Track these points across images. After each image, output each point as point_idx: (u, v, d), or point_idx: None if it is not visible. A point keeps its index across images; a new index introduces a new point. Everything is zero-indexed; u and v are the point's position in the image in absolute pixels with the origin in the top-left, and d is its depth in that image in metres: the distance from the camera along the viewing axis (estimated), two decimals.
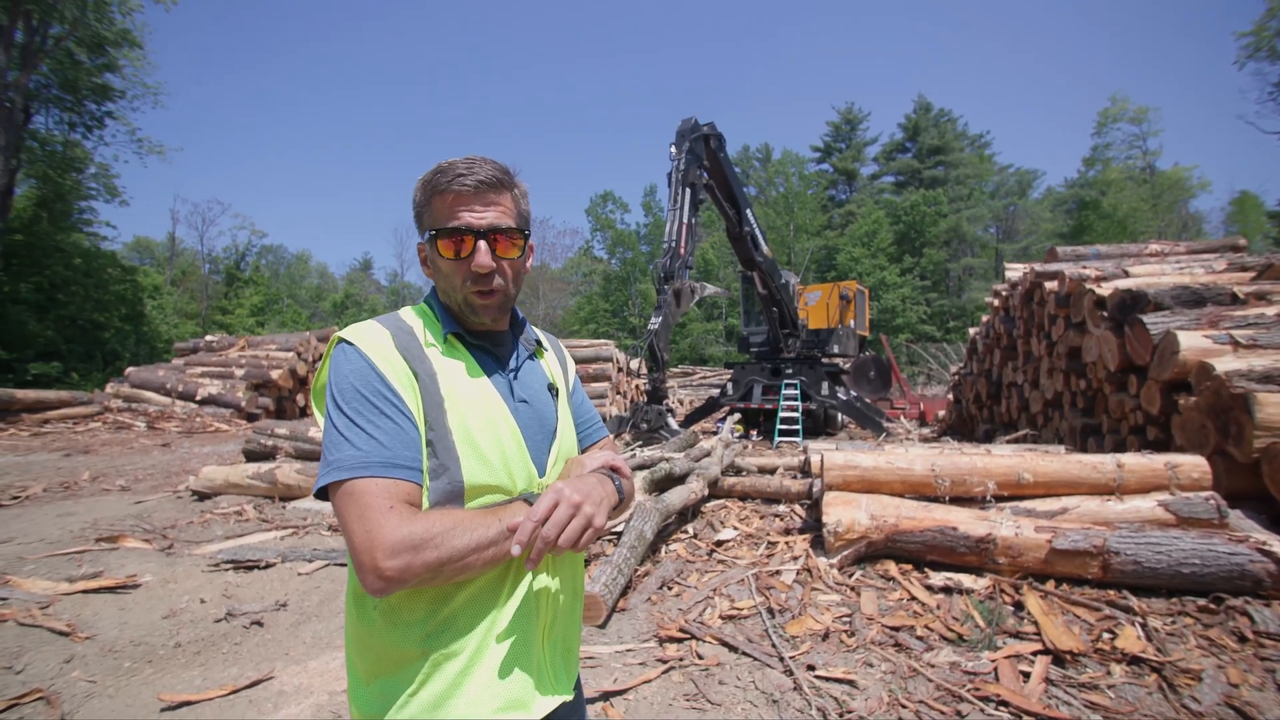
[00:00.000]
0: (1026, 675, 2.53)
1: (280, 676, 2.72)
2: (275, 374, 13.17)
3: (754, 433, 11.44)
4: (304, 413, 13.87)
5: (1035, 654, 2.69)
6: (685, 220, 8.77)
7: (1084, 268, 6.60)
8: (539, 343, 1.17)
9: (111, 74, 21.67)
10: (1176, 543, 3.31)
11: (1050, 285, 6.98)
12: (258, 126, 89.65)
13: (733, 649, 2.80)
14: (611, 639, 2.94)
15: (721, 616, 3.12)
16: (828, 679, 2.56)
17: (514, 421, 0.99)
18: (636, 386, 11.46)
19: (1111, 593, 3.33)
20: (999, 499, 4.03)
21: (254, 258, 45.01)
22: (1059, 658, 2.66)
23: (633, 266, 44.04)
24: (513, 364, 1.07)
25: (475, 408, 0.96)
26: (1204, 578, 3.22)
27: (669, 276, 8.57)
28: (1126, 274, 6.30)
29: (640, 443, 8.00)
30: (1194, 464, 3.85)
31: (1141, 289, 5.36)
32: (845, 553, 3.77)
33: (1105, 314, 5.78)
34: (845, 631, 2.97)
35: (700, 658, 2.74)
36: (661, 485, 5.18)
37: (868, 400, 12.38)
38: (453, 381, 0.96)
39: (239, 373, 13.35)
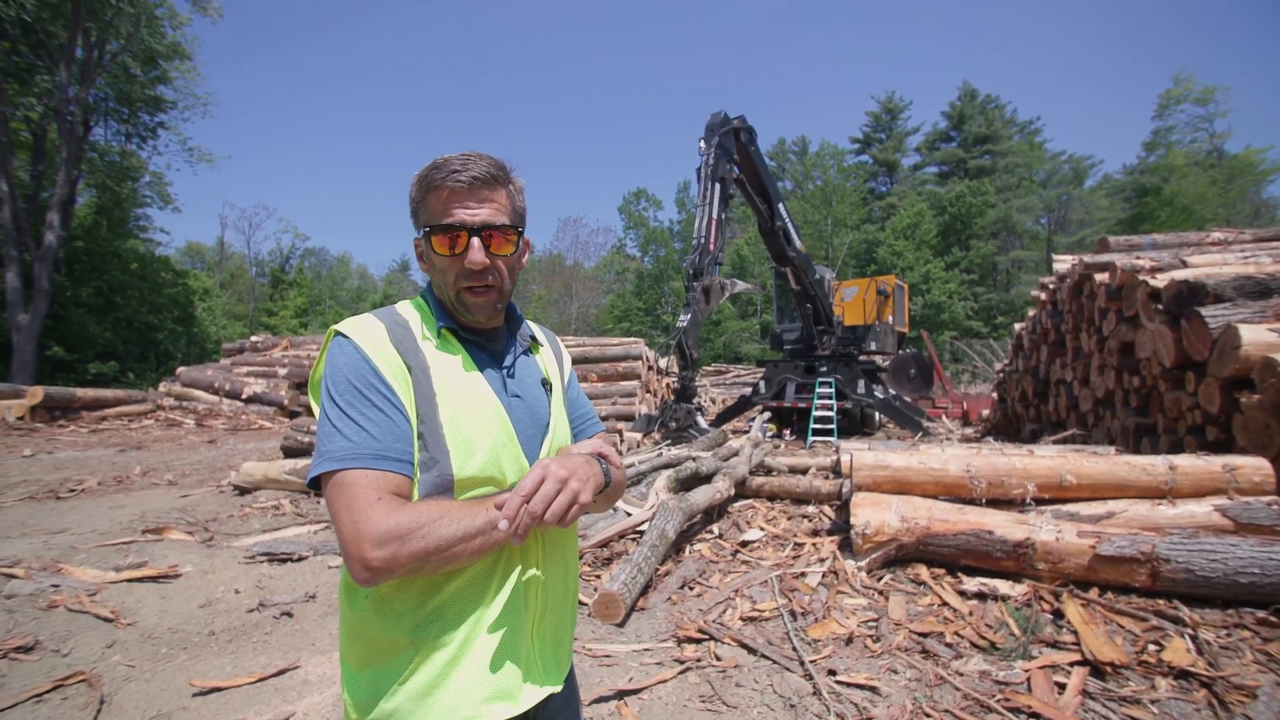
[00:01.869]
0: (1062, 687, 2.39)
1: (306, 666, 2.79)
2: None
3: (787, 432, 11.25)
4: None
5: (1073, 665, 2.55)
6: (714, 216, 8.67)
7: (1137, 258, 6.25)
8: (534, 338, 1.17)
9: (164, 86, 22.76)
10: (1234, 550, 3.09)
11: (1100, 277, 6.63)
12: (301, 131, 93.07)
13: (752, 651, 2.74)
14: (629, 638, 2.91)
15: (742, 618, 3.06)
16: (849, 684, 2.47)
17: (506, 416, 0.99)
18: (666, 385, 11.41)
19: (1160, 602, 3.14)
20: (1040, 502, 3.84)
21: (298, 260, 46.73)
22: (1098, 669, 2.51)
23: (666, 264, 43.94)
24: (507, 360, 1.07)
25: (467, 402, 0.96)
26: (1264, 588, 3.00)
27: (698, 273, 8.49)
28: (1184, 264, 5.94)
29: (669, 441, 7.95)
30: (1255, 466, 3.59)
31: (1200, 279, 5.04)
32: (874, 555, 3.65)
33: (1160, 307, 5.46)
34: (870, 636, 2.87)
35: (718, 659, 2.69)
36: (687, 484, 5.13)
37: (907, 399, 12.03)
38: (445, 375, 0.96)
39: (282, 372, 13.85)
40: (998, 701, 2.29)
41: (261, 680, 2.65)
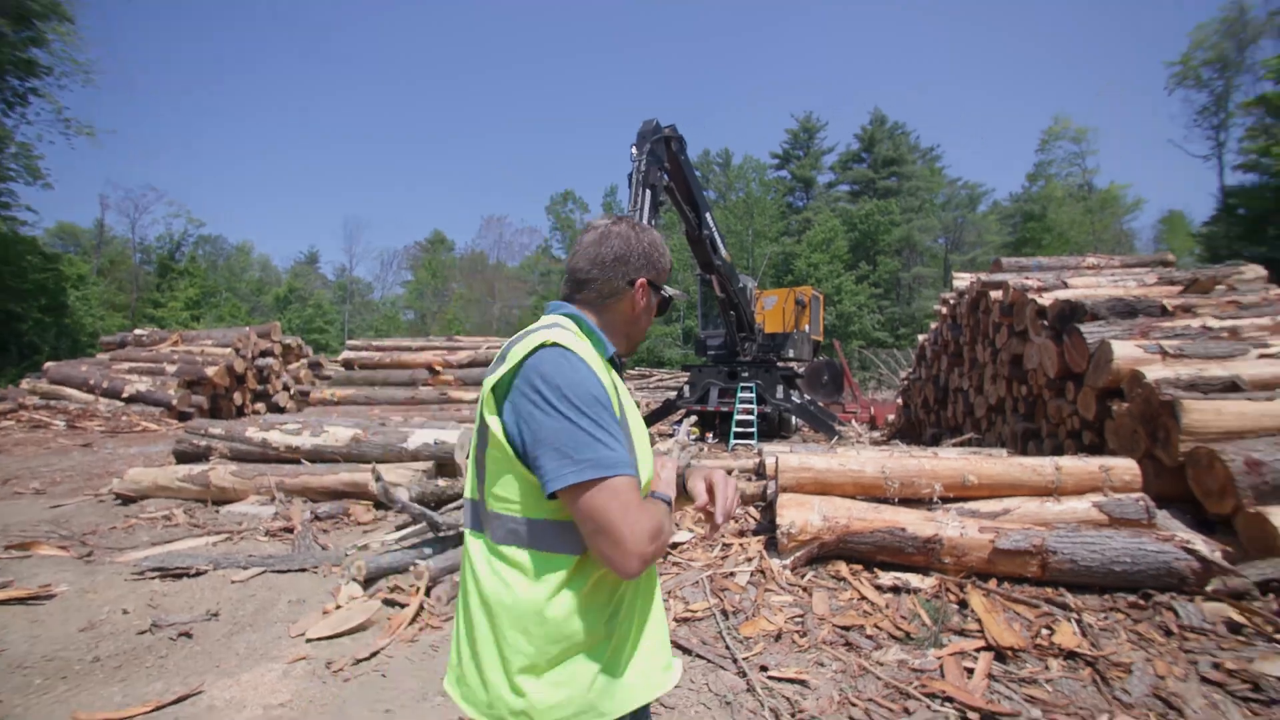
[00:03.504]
0: (970, 671, 2.59)
1: (210, 690, 2.56)
2: (211, 371, 12.52)
3: (710, 435, 11.52)
4: (241, 412, 13.23)
5: (979, 650, 2.77)
6: (645, 221, 8.76)
7: (1026, 278, 6.90)
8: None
9: (38, 49, 20.25)
10: (1109, 542, 3.47)
11: (995, 294, 7.26)
12: (198, 111, 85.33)
13: (687, 651, 2.78)
14: None
15: (676, 619, 3.10)
16: (780, 679, 2.56)
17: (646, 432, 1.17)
18: None
19: (1049, 590, 3.46)
20: (945, 500, 4.15)
21: (190, 248, 42.81)
22: (1001, 654, 2.74)
23: None
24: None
25: (636, 419, 1.13)
26: (1134, 575, 3.38)
27: None
28: (1066, 285, 6.61)
29: None
30: (1126, 467, 4.05)
31: (1079, 300, 5.63)
32: (798, 554, 3.80)
33: (1046, 323, 6.05)
34: (798, 632, 2.99)
35: None
36: None
37: (821, 404, 12.64)
38: (622, 395, 1.11)
39: (171, 369, 12.63)
40: (915, 688, 2.45)
41: (159, 709, 2.40)
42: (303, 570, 3.91)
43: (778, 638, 2.93)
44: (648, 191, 8.99)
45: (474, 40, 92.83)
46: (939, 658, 2.68)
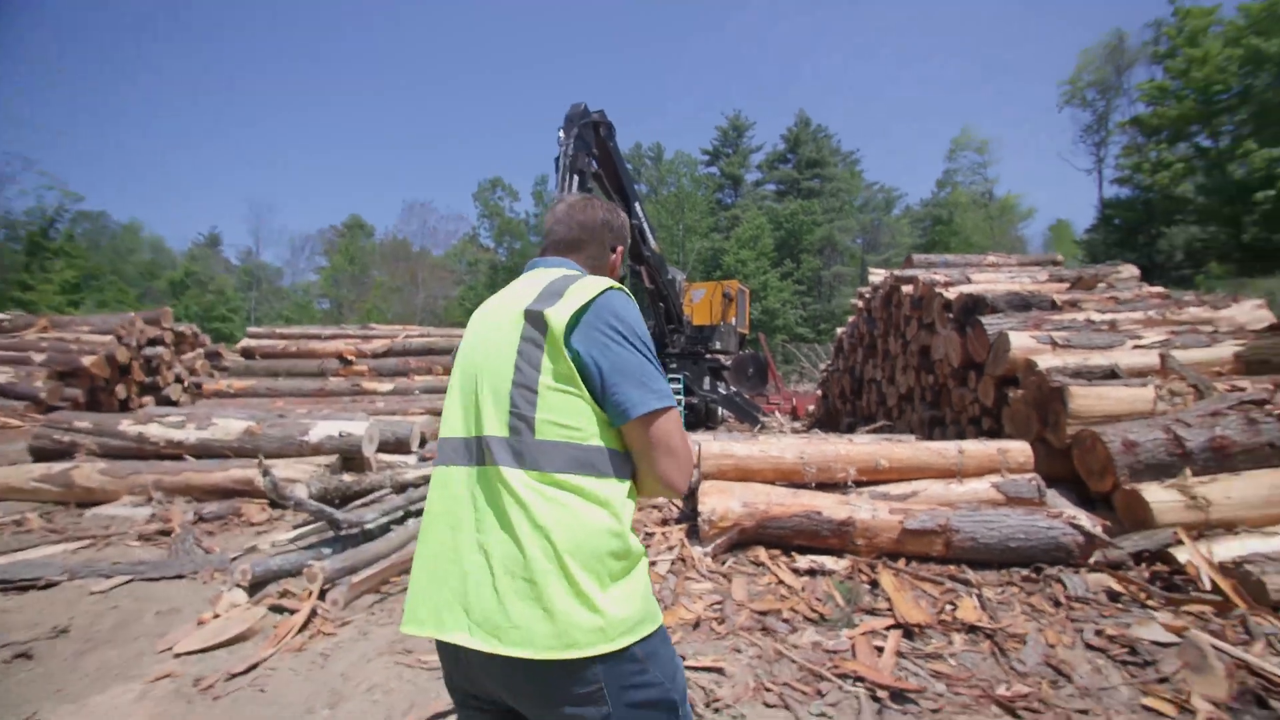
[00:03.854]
0: (880, 650, 2.63)
1: None
2: (88, 360, 11.19)
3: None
4: (125, 406, 11.95)
5: (888, 629, 2.82)
6: None
7: (935, 274, 7.24)
8: None
9: None
10: (1005, 520, 3.65)
11: (907, 289, 7.59)
12: (76, 75, 76.42)
13: None
14: None
15: None
16: (698, 668, 2.50)
17: None
18: None
19: (953, 568, 3.61)
20: (860, 484, 4.26)
21: (67, 225, 38.41)
22: (909, 631, 2.80)
23: (522, 257, 42.94)
24: None
25: None
26: (1028, 551, 3.58)
27: None
28: (969, 280, 6.99)
29: None
30: (1020, 449, 4.30)
31: (981, 294, 5.95)
32: (719, 541, 3.78)
33: (951, 315, 6.36)
34: (716, 619, 2.95)
35: None
36: None
37: (746, 395, 12.90)
38: None
39: (39, 358, 11.18)
40: (829, 669, 2.46)
41: None
42: (179, 577, 3.52)
43: (696, 626, 2.87)
44: (575, 176, 8.79)
45: (399, 16, 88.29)
46: (851, 638, 2.71)
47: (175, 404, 12.96)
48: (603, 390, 1.04)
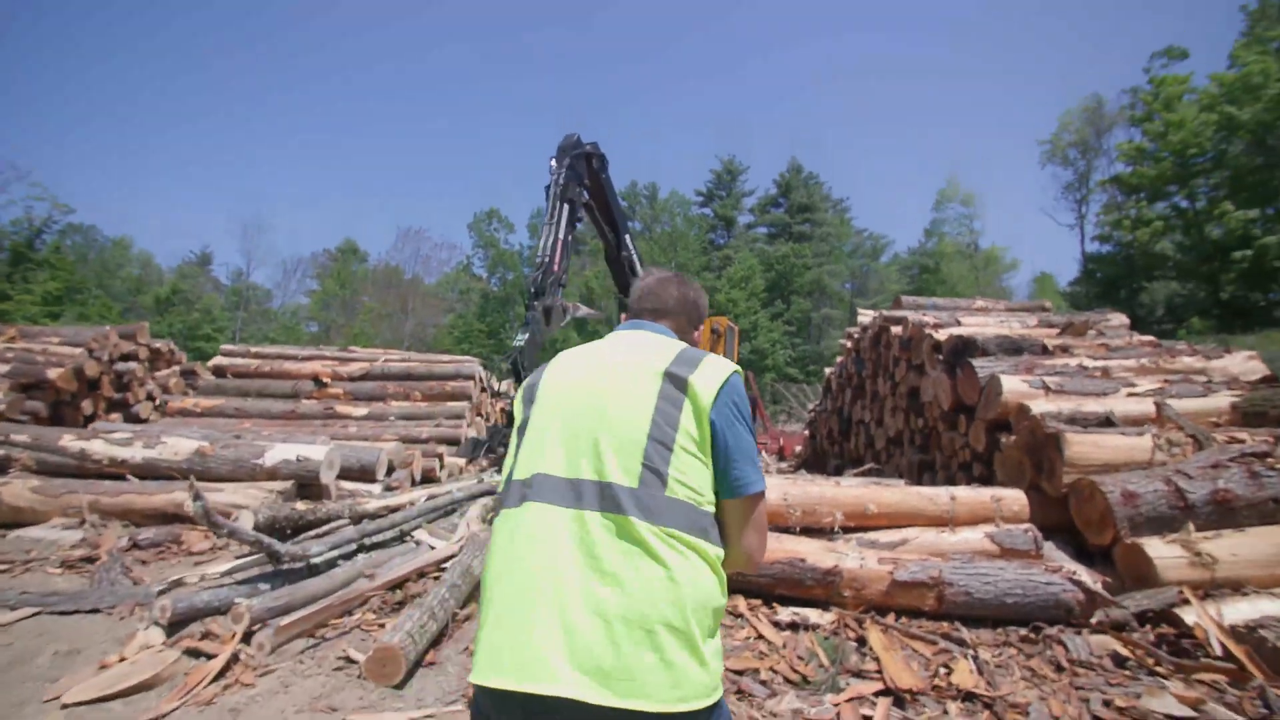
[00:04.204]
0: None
1: None
2: (54, 373, 10.71)
3: None
4: (90, 420, 11.46)
5: (877, 695, 2.54)
6: (560, 236, 8.46)
7: (924, 315, 7.15)
8: None
9: None
10: (1001, 573, 3.41)
11: (896, 329, 7.48)
12: (78, 88, 76.99)
13: None
14: (409, 703, 2.38)
15: None
16: None
17: None
18: (500, 409, 10.78)
19: (945, 624, 3.34)
20: (846, 530, 4.00)
21: (54, 237, 37.97)
22: (899, 698, 2.52)
23: (514, 288, 42.92)
24: None
25: None
26: (1025, 607, 3.33)
27: (539, 292, 8.17)
28: (959, 323, 6.89)
29: (497, 469, 7.38)
30: (1014, 497, 4.08)
31: (971, 336, 5.82)
32: None
33: (941, 357, 6.22)
34: None
35: None
36: None
37: None
38: None
39: (2, 369, 10.77)
40: None
41: None
42: (94, 611, 3.17)
43: None
44: (565, 206, 8.73)
45: (403, 44, 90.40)
46: (836, 705, 2.43)
47: (145, 422, 12.48)
48: (724, 465, 1.12)
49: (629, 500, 1.02)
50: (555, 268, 8.32)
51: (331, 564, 3.59)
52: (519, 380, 8.01)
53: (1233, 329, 18.04)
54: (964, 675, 2.70)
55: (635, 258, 10.98)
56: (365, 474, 5.93)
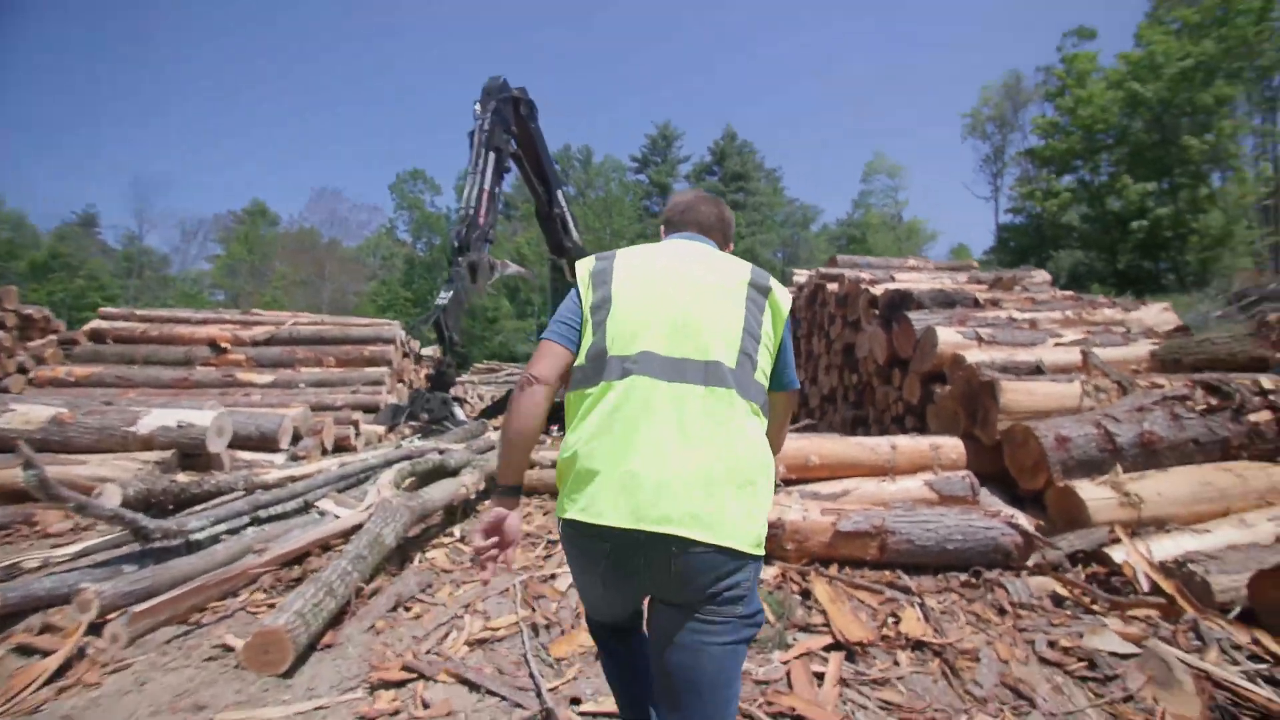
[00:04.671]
0: (821, 677, 2.18)
1: None
2: None
3: (555, 427, 10.82)
4: None
5: (827, 650, 2.39)
6: (487, 187, 7.85)
7: (860, 273, 7.12)
8: None
9: None
10: (942, 520, 3.35)
11: (831, 287, 7.43)
12: None
13: (474, 687, 2.06)
14: (296, 693, 2.01)
15: (469, 642, 2.36)
16: (594, 714, 1.95)
17: None
18: (425, 375, 10.15)
19: (889, 574, 3.26)
20: (788, 483, 3.87)
21: None
22: (850, 651, 2.38)
23: (441, 253, 40.99)
24: None
25: None
26: (965, 553, 3.29)
27: (464, 247, 7.58)
28: (894, 279, 6.90)
29: (419, 436, 6.88)
30: (953, 445, 4.06)
31: (908, 290, 5.80)
32: None
33: (877, 312, 6.20)
34: None
35: (425, 705, 1.96)
36: (429, 480, 4.27)
37: None
38: None
39: None
40: (760, 707, 1.97)
41: None
42: None
43: (598, 655, 2.32)
44: (492, 154, 8.10)
45: None
46: (786, 663, 2.25)
47: (6, 394, 11.00)
48: (783, 364, 1.38)
49: (730, 377, 1.22)
50: (481, 220, 7.73)
51: (215, 540, 3.10)
52: (444, 343, 7.46)
53: (1125, 295, 19.48)
54: (912, 624, 2.59)
55: (569, 216, 10.46)
56: (267, 443, 5.33)
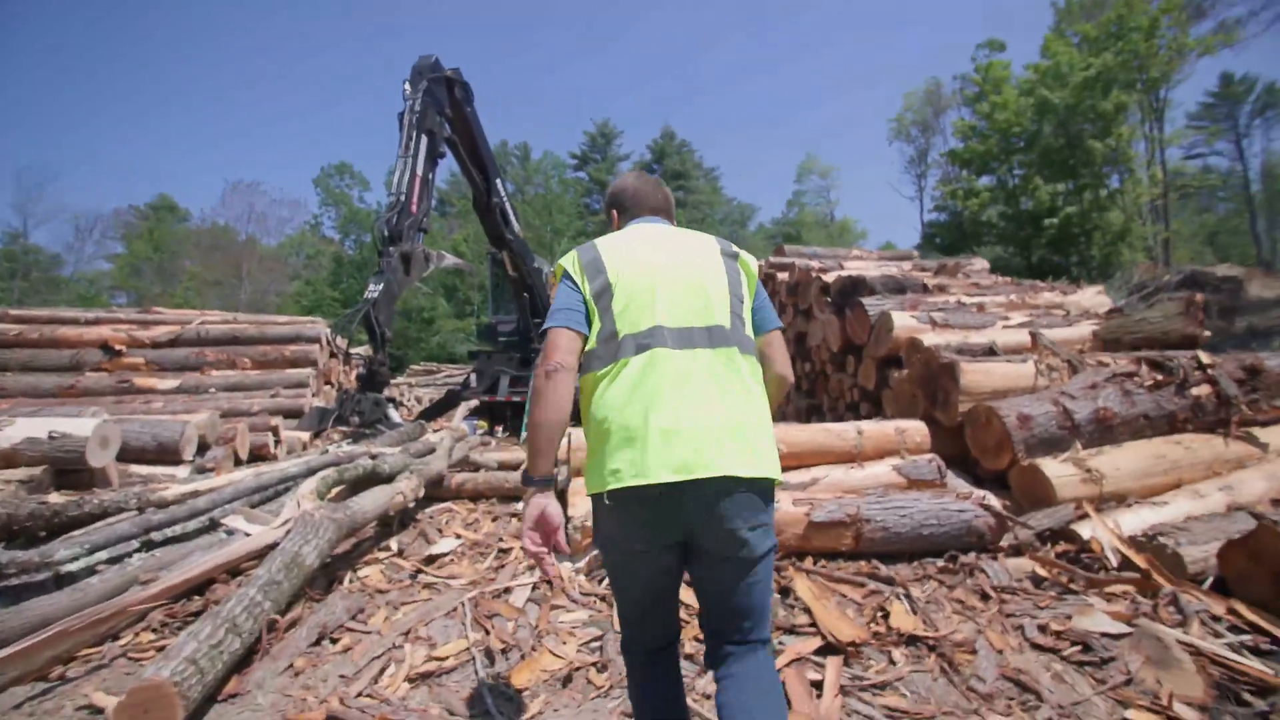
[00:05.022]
0: (818, 686, 1.96)
1: None
2: None
3: (499, 429, 10.33)
4: None
5: (819, 652, 2.17)
6: (419, 172, 7.31)
7: (811, 260, 7.07)
8: None
9: None
10: (916, 505, 3.23)
11: (782, 275, 7.36)
12: None
13: None
14: None
15: (411, 678, 2.00)
16: None
17: None
18: (355, 375, 9.45)
19: (865, 564, 3.12)
20: None
21: None
22: (843, 652, 2.17)
23: (371, 251, 39.03)
24: None
25: None
26: (940, 538, 3.17)
27: (395, 236, 7.02)
28: (842, 267, 6.89)
29: (349, 441, 6.30)
30: (917, 428, 3.97)
31: (861, 275, 5.75)
32: (595, 552, 2.96)
33: (829, 299, 6.14)
34: (595, 664, 2.11)
35: None
36: (361, 487, 3.82)
37: None
38: None
39: None
40: None
41: None
42: None
43: (567, 681, 2.01)
44: (424, 137, 7.56)
45: None
46: (779, 671, 2.01)
47: None
48: (764, 310, 1.59)
49: (729, 336, 1.39)
50: (414, 208, 7.18)
51: (91, 571, 2.58)
52: (375, 339, 6.86)
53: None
54: (902, 617, 2.43)
55: (509, 207, 9.97)
56: (167, 454, 4.69)
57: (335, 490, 3.59)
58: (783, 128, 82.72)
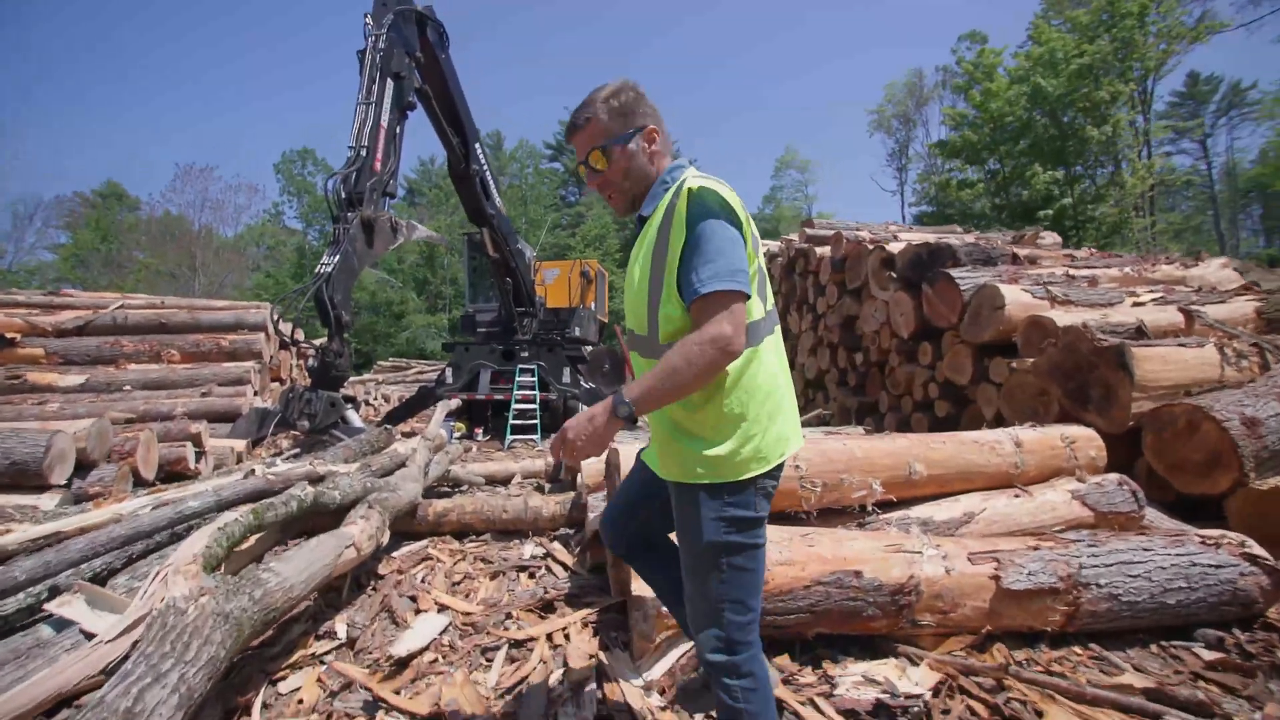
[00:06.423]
0: None
1: None
2: None
3: (479, 431, 9.04)
4: None
5: None
6: (383, 122, 5.96)
7: (858, 232, 5.96)
8: (648, 215, 1.37)
9: None
10: (1150, 558, 2.13)
11: (822, 251, 6.25)
12: None
13: None
14: None
15: None
16: None
17: (630, 279, 1.41)
18: (304, 364, 8.07)
19: (1077, 649, 2.02)
20: (885, 506, 2.52)
21: None
22: None
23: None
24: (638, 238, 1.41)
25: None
26: (1191, 606, 2.09)
27: (354, 200, 5.66)
28: (896, 238, 5.79)
29: (297, 450, 4.97)
30: (1088, 438, 2.86)
31: (940, 242, 4.66)
32: (675, 656, 1.77)
33: (894, 275, 5.03)
34: None
35: None
36: (296, 528, 2.58)
37: (606, 392, 11.01)
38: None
39: None
40: None
41: None
42: None
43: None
44: (390, 82, 6.21)
45: None
46: None
47: None
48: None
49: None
50: (376, 165, 5.83)
51: None
52: (330, 323, 5.51)
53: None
54: None
55: (489, 177, 8.66)
56: (26, 476, 3.35)
57: (251, 541, 2.33)
58: (760, 114, 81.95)
